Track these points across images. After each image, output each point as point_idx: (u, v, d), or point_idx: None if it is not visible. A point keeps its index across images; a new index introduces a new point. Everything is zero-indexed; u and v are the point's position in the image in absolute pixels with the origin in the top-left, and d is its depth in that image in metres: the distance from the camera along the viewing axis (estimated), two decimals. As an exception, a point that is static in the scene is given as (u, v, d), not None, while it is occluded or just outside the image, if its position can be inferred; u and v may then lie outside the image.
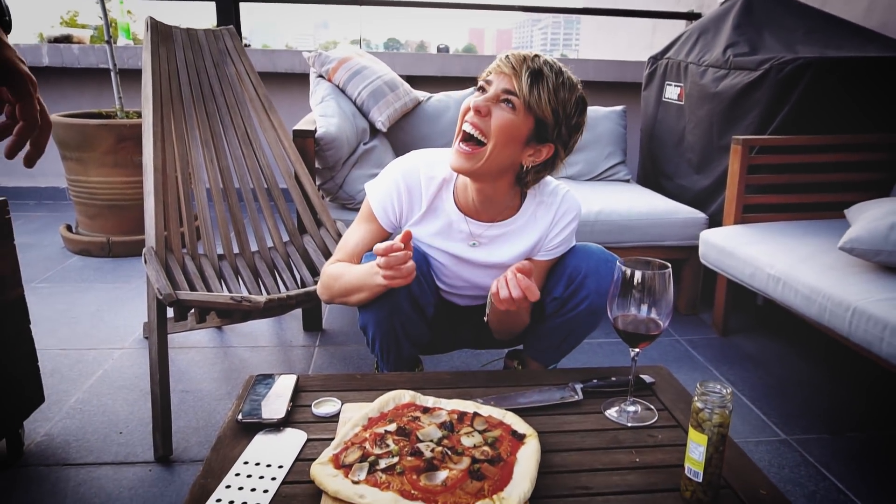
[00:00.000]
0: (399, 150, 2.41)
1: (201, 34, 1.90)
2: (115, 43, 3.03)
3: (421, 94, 2.53)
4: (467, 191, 1.20)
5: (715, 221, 2.19)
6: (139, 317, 2.10)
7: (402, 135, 2.42)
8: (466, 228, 1.22)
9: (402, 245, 0.98)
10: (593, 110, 2.71)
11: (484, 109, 1.08)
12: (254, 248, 1.79)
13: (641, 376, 1.05)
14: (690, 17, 3.89)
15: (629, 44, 5.42)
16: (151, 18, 1.80)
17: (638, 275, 0.89)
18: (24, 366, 1.43)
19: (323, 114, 2.04)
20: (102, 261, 2.72)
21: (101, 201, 2.78)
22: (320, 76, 2.28)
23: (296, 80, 3.56)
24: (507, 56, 1.10)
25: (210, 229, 1.71)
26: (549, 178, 1.24)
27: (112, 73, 2.85)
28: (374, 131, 2.27)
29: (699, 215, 2.20)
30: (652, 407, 0.97)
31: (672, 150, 2.54)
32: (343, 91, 2.23)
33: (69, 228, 2.91)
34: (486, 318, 1.16)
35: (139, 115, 2.95)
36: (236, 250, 1.75)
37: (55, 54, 3.43)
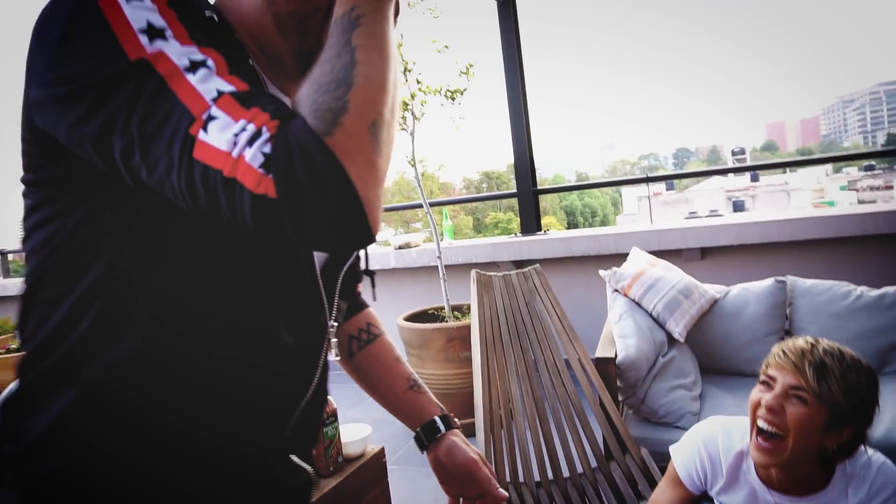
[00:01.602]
0: (699, 353, 2.44)
1: (514, 277, 2.28)
2: (441, 239, 3.70)
3: (717, 291, 2.56)
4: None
5: None
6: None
7: (701, 336, 2.46)
8: (773, 500, 1.26)
9: None
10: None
11: (777, 407, 1.15)
12: (565, 473, 1.98)
13: None
14: None
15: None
16: (476, 272, 2.23)
17: None
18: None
19: (621, 334, 2.22)
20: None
21: (436, 390, 3.30)
22: (616, 291, 2.49)
23: (593, 263, 3.85)
24: (783, 351, 1.19)
25: (529, 457, 1.96)
26: (861, 448, 1.23)
27: (441, 282, 3.47)
28: (672, 340, 2.36)
29: None
30: None
31: None
32: (639, 304, 2.39)
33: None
34: None
35: (462, 312, 3.50)
36: (550, 476, 1.96)
37: (399, 258, 4.29)
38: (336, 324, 0.84)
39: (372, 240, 0.55)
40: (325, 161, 0.50)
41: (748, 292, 2.52)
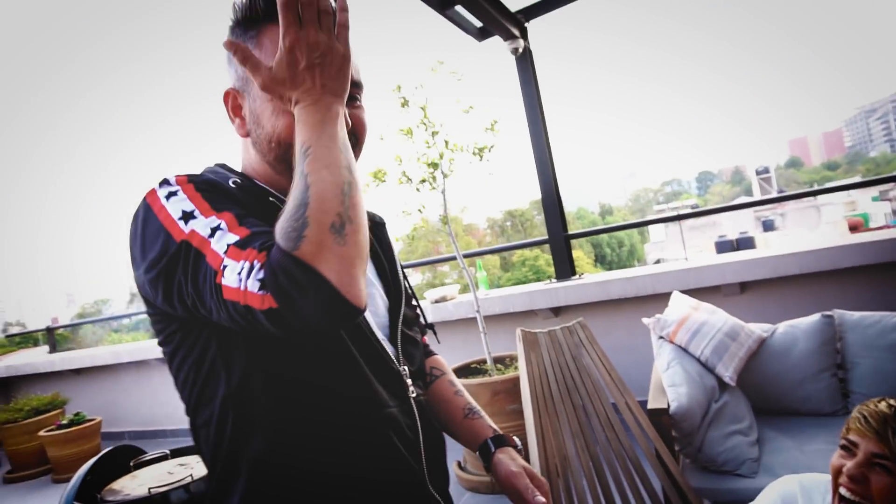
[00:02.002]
0: (751, 395, 2.41)
1: (559, 333, 2.30)
2: (476, 289, 3.73)
3: (763, 330, 2.53)
4: None
5: None
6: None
7: (752, 377, 2.43)
8: None
9: None
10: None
11: (859, 476, 1.13)
12: (629, 530, 1.95)
13: None
14: None
15: None
16: (521, 330, 2.26)
17: None
18: None
19: (671, 383, 2.21)
20: (488, 498, 3.16)
21: (484, 445, 3.28)
22: (661, 338, 2.48)
23: (631, 305, 3.85)
24: (864, 416, 1.17)
25: (590, 516, 1.94)
26: None
27: (482, 335, 3.49)
28: (723, 385, 2.34)
29: None
30: None
31: None
32: (686, 350, 2.39)
33: (460, 466, 3.48)
34: None
35: (505, 364, 3.51)
36: (614, 534, 1.93)
37: (436, 312, 4.33)
38: (406, 368, 0.99)
39: (359, 313, 0.71)
40: (297, 269, 0.67)
41: (795, 329, 2.49)
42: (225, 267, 0.71)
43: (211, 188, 0.83)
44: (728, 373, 2.31)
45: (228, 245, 0.73)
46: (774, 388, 2.41)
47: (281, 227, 0.70)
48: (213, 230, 0.75)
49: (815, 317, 2.47)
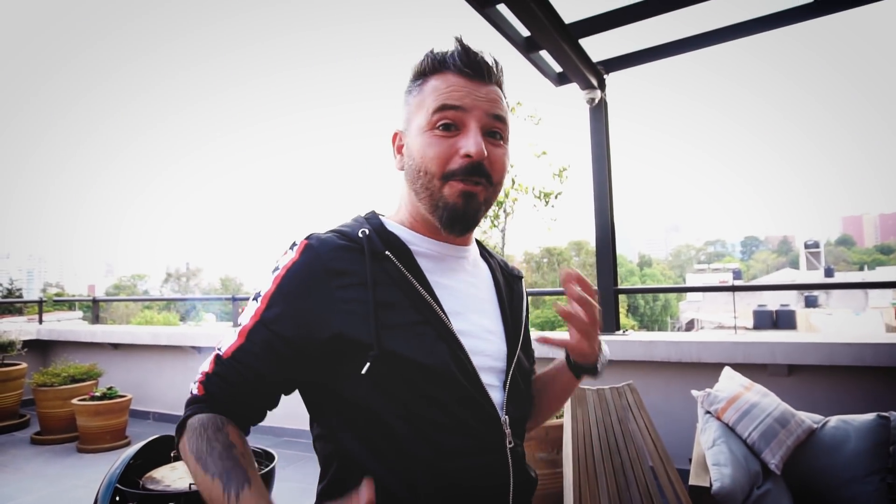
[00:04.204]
0: (795, 488, 2.35)
1: (607, 393, 2.29)
2: None
3: (813, 420, 2.48)
4: None
5: None
6: None
7: (797, 469, 2.37)
8: None
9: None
10: None
11: None
12: None
13: None
14: None
15: None
16: (570, 383, 2.25)
17: None
18: None
19: (716, 462, 2.17)
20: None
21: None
22: (708, 413, 2.45)
23: (673, 369, 3.79)
24: None
25: (618, 585, 1.92)
26: None
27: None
28: (768, 471, 2.29)
29: None
30: None
31: None
32: (733, 430, 2.34)
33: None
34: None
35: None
36: None
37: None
38: (508, 417, 1.02)
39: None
40: (177, 435, 0.97)
41: (848, 426, 2.43)
42: (210, 354, 0.99)
43: (290, 281, 0.95)
44: (774, 460, 2.26)
45: (219, 349, 0.98)
46: (819, 482, 2.34)
47: (198, 440, 0.90)
48: (238, 325, 0.98)
49: (871, 416, 2.40)
